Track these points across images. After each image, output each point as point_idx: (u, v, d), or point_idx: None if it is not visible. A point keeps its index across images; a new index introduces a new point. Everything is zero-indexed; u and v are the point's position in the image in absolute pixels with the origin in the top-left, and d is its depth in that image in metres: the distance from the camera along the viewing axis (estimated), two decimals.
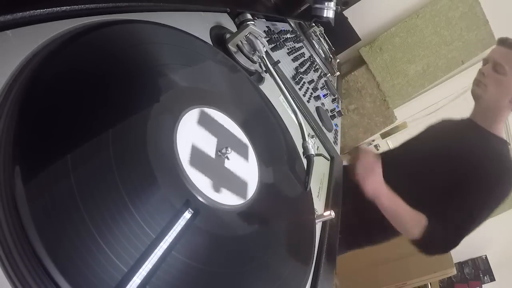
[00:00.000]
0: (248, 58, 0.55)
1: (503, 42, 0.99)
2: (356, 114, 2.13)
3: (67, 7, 0.29)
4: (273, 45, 0.79)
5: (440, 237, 0.87)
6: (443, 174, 0.94)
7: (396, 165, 1.06)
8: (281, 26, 1.02)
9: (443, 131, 1.10)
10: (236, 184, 0.36)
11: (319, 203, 0.58)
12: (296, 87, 0.79)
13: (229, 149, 0.36)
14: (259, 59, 0.54)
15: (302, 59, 0.98)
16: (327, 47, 1.55)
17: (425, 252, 0.90)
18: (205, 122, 0.36)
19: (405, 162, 1.07)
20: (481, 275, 2.41)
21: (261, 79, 0.59)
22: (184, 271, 0.26)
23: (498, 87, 0.94)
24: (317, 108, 0.85)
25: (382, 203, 0.86)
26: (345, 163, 0.91)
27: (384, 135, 2.30)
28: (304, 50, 1.07)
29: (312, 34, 1.34)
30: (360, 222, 1.03)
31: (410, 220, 0.88)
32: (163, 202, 0.26)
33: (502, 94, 0.94)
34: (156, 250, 0.24)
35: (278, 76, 0.53)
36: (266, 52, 0.54)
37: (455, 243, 0.87)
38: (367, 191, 0.84)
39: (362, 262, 2.03)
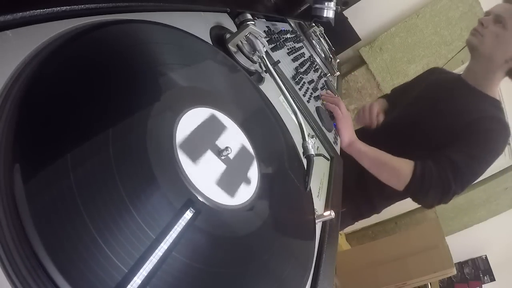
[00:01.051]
0: (248, 58, 0.55)
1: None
2: (356, 114, 2.13)
3: (67, 7, 0.29)
4: (273, 45, 0.79)
5: (435, 172, 0.80)
6: (435, 130, 0.91)
7: (383, 125, 1.10)
8: (281, 26, 1.02)
9: (434, 83, 1.05)
10: (236, 184, 0.36)
11: (319, 203, 0.58)
12: (296, 87, 0.79)
13: (229, 149, 0.36)
14: (259, 59, 0.54)
15: (302, 59, 0.98)
16: (327, 47, 1.55)
17: (420, 196, 0.83)
18: (205, 122, 0.36)
19: (391, 120, 1.08)
20: (481, 275, 2.41)
21: (261, 79, 0.59)
22: (184, 272, 0.26)
23: (495, 40, 0.89)
24: (317, 108, 0.85)
25: (360, 148, 0.86)
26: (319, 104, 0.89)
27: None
28: (304, 50, 1.07)
29: (312, 34, 1.34)
30: (362, 194, 1.05)
31: (396, 161, 0.84)
32: (163, 202, 0.26)
33: (498, 49, 0.89)
34: (156, 251, 0.24)
35: (278, 76, 0.53)
36: (266, 52, 0.54)
37: (450, 183, 0.80)
38: (344, 138, 0.87)
39: (362, 262, 2.03)
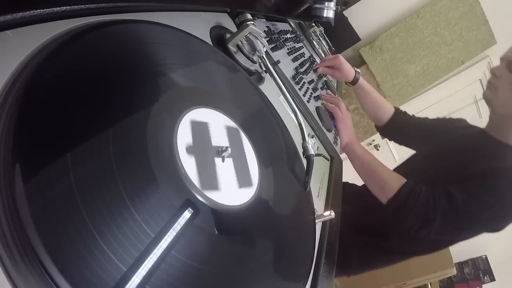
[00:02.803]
0: (248, 58, 0.56)
1: None
2: (356, 114, 2.13)
3: (67, 7, 0.29)
4: (273, 45, 0.79)
5: (423, 197, 0.73)
6: (447, 175, 0.81)
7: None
8: (281, 26, 1.02)
9: (460, 139, 0.94)
10: (236, 184, 0.36)
11: (319, 203, 0.58)
12: (296, 87, 0.79)
13: (229, 149, 0.36)
14: (259, 59, 0.54)
15: (302, 59, 0.98)
16: (327, 47, 1.55)
17: (400, 215, 0.76)
18: (205, 122, 0.36)
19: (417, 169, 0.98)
20: (481, 275, 2.41)
21: (261, 79, 0.59)
22: (183, 271, 0.26)
23: (510, 89, 0.79)
24: (317, 108, 0.85)
25: (355, 150, 0.85)
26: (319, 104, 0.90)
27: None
28: (304, 50, 1.07)
29: (312, 34, 1.34)
30: (359, 248, 0.98)
31: (387, 173, 0.80)
32: (163, 201, 0.26)
33: None
34: (155, 250, 0.24)
35: (278, 76, 0.53)
36: (266, 52, 0.54)
37: (435, 213, 0.71)
38: (343, 139, 0.87)
39: None
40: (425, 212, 0.72)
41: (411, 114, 1.11)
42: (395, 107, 1.11)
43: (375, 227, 0.91)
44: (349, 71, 1.01)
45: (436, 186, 0.76)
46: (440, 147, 0.95)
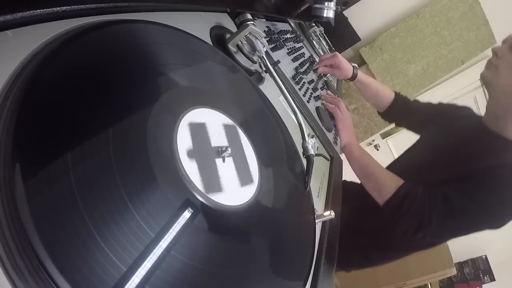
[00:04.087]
0: (248, 58, 0.56)
1: None
2: (356, 114, 2.13)
3: (67, 7, 0.29)
4: (273, 45, 0.79)
5: (420, 199, 0.71)
6: (447, 168, 0.79)
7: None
8: (281, 26, 1.02)
9: (456, 122, 0.94)
10: (236, 184, 0.36)
11: (319, 203, 0.58)
12: (296, 87, 0.79)
13: (229, 149, 0.36)
14: (259, 59, 0.54)
15: (302, 59, 0.98)
16: (327, 47, 1.55)
17: (396, 217, 0.75)
18: (205, 122, 0.36)
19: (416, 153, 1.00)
20: (481, 275, 2.42)
21: (261, 79, 0.59)
22: (183, 271, 0.26)
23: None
24: (317, 108, 0.85)
25: (353, 151, 0.85)
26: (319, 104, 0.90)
27: (384, 135, 2.30)
28: (304, 50, 1.07)
29: (312, 34, 1.34)
30: (356, 243, 0.98)
31: (384, 175, 0.79)
32: (163, 201, 0.26)
33: None
34: (155, 250, 0.24)
35: (278, 76, 0.53)
36: (266, 52, 0.54)
37: (431, 216, 0.70)
38: (342, 139, 0.87)
39: None
40: (421, 215, 0.72)
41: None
42: (395, 92, 1.12)
43: (374, 227, 0.92)
44: (348, 68, 1.02)
45: (432, 184, 0.75)
46: (437, 138, 0.94)
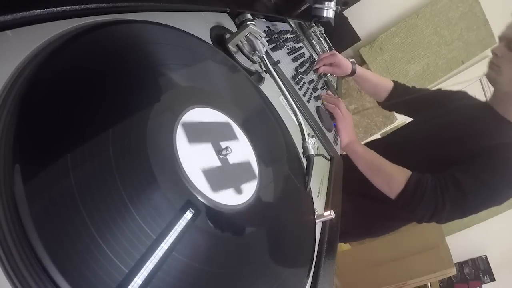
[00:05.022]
0: (248, 58, 0.55)
1: None
2: (356, 114, 2.13)
3: (67, 7, 0.29)
4: (273, 45, 0.79)
5: (431, 186, 0.73)
6: (451, 149, 0.82)
7: (400, 136, 1.07)
8: (281, 26, 1.02)
9: (462, 108, 0.96)
10: (236, 184, 0.36)
11: (319, 203, 0.58)
12: (296, 87, 0.79)
13: (229, 149, 0.36)
14: (259, 59, 0.54)
15: (302, 59, 0.98)
16: (327, 47, 1.55)
17: (410, 208, 0.77)
18: (205, 122, 0.36)
19: (407, 134, 1.04)
20: (481, 275, 2.42)
21: (261, 79, 0.59)
22: (185, 272, 0.26)
23: None
24: (317, 108, 0.85)
25: (357, 149, 0.85)
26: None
27: (384, 135, 2.30)
28: (304, 50, 1.07)
29: (312, 34, 1.34)
30: (361, 215, 1.00)
31: (392, 168, 0.80)
32: (164, 203, 0.26)
33: None
34: (157, 251, 0.24)
35: (278, 76, 0.53)
36: (266, 52, 0.54)
37: (444, 201, 0.72)
38: (343, 139, 0.87)
39: (362, 262, 2.03)
40: (435, 202, 0.74)
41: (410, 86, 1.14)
42: (393, 81, 1.14)
43: (378, 193, 0.90)
44: (347, 65, 1.05)
45: (435, 163, 0.78)
46: (436, 117, 0.97)
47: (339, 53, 1.05)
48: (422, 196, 0.74)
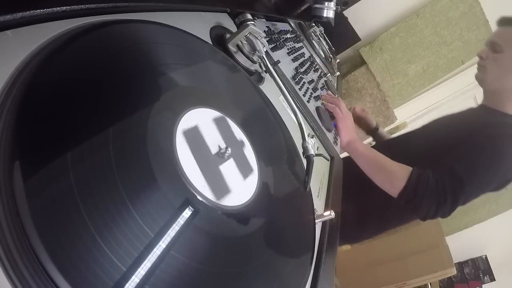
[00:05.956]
0: (248, 58, 0.55)
1: (499, 22, 0.98)
2: None
3: (67, 7, 0.29)
4: (273, 45, 0.79)
5: (431, 181, 0.75)
6: (442, 140, 0.88)
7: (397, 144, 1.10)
8: (281, 26, 1.02)
9: (452, 120, 1.03)
10: (235, 184, 0.36)
11: (319, 203, 0.58)
12: (296, 87, 0.79)
13: (229, 149, 0.36)
14: (259, 59, 0.54)
15: (302, 59, 0.98)
16: (327, 47, 1.55)
17: (413, 205, 0.77)
18: (205, 122, 0.36)
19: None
20: (481, 275, 2.42)
21: (261, 79, 0.59)
22: (183, 271, 0.26)
23: (497, 66, 0.91)
24: (317, 108, 0.85)
25: (358, 148, 0.85)
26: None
27: None
28: (304, 50, 1.07)
29: (312, 34, 1.34)
30: (356, 217, 1.03)
31: (392, 165, 0.81)
32: (162, 201, 0.26)
33: (502, 72, 0.90)
34: (155, 249, 0.24)
35: (278, 76, 0.53)
36: (266, 52, 0.54)
37: (446, 194, 0.74)
38: (343, 138, 0.87)
39: (362, 262, 2.03)
40: (437, 197, 0.75)
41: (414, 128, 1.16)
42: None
43: (377, 197, 0.91)
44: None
45: (429, 156, 0.81)
46: (436, 129, 1.03)
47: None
48: (424, 193, 0.75)
